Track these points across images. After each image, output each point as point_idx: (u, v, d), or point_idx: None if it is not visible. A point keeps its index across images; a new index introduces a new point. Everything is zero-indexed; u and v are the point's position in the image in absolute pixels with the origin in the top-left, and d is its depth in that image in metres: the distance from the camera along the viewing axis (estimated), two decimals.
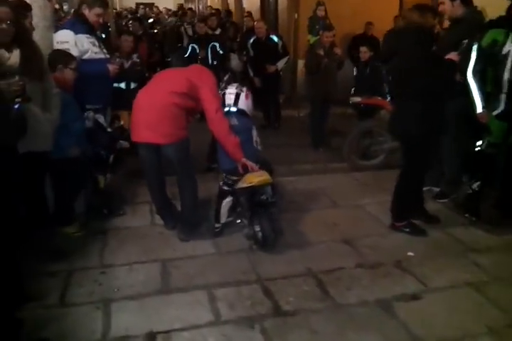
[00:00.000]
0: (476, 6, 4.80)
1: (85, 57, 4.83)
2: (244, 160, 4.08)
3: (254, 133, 4.33)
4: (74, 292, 3.53)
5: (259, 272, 3.81)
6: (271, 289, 3.58)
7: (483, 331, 3.16)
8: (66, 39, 4.73)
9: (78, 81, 4.36)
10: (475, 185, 4.76)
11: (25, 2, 4.34)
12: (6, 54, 3.28)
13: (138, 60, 6.41)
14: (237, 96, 4.28)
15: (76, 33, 4.79)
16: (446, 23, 4.92)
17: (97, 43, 5.04)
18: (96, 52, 4.97)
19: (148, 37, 10.74)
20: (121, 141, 5.16)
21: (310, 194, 5.45)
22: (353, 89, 7.37)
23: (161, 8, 23.88)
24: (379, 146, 6.48)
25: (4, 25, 3.18)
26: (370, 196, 5.37)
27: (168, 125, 4.03)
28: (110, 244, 4.25)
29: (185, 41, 10.90)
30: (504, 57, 4.20)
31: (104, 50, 5.20)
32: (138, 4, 27.17)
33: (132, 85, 6.02)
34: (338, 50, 7.41)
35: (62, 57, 4.28)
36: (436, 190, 5.28)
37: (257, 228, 4.10)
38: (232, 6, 16.90)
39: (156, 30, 12.90)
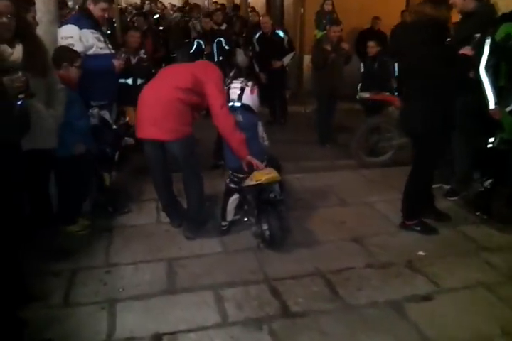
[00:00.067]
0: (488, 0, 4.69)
1: (90, 52, 4.76)
2: (249, 157, 3.99)
3: (260, 128, 4.24)
4: (78, 291, 3.47)
5: (266, 271, 3.74)
6: (279, 289, 3.51)
7: (496, 332, 3.08)
8: (70, 34, 4.67)
9: (83, 77, 4.31)
10: (487, 183, 4.68)
11: None
12: (9, 49, 3.21)
13: (145, 56, 6.35)
14: (242, 90, 4.17)
15: (81, 28, 4.72)
16: (457, 17, 4.79)
17: (102, 38, 4.97)
18: (101, 48, 4.91)
19: (153, 32, 10.65)
20: (126, 138, 5.11)
21: (317, 191, 5.37)
22: (359, 85, 7.28)
23: (165, 3, 23.72)
24: (387, 143, 6.42)
25: (4, 19, 3.10)
26: (378, 194, 5.29)
27: (173, 121, 3.96)
28: (115, 243, 4.19)
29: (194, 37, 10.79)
30: None
31: (110, 46, 5.13)
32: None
33: (139, 81, 5.93)
34: (345, 45, 7.32)
35: (67, 54, 4.22)
36: (447, 187, 5.20)
37: (265, 226, 4.03)
38: (238, 1, 16.77)
39: (161, 28, 12.76)
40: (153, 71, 6.36)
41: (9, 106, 2.94)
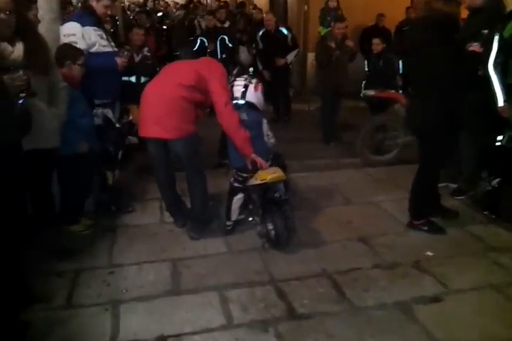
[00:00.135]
0: None
1: (93, 50, 4.73)
2: (253, 156, 3.94)
3: (265, 126, 4.16)
4: (81, 293, 3.41)
5: (272, 272, 3.69)
6: (284, 290, 3.45)
7: (507, 336, 3.02)
8: (73, 32, 4.62)
9: (85, 75, 4.26)
10: (495, 182, 4.63)
11: None
12: (9, 47, 3.16)
13: (149, 54, 6.30)
14: (246, 88, 4.08)
15: (83, 25, 4.68)
16: (465, 13, 4.72)
17: (104, 36, 4.93)
18: (104, 45, 4.87)
19: (156, 30, 10.59)
20: (129, 137, 5.06)
21: (322, 190, 5.32)
22: (363, 83, 7.21)
23: (169, 1, 23.66)
24: (393, 141, 6.35)
25: (3, 16, 3.04)
26: (384, 193, 5.24)
27: (177, 119, 3.91)
28: (119, 243, 4.15)
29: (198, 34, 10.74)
30: None
31: (112, 43, 5.09)
32: None
33: (142, 79, 5.89)
34: (350, 43, 7.25)
35: (69, 52, 4.18)
36: (454, 186, 5.15)
37: (270, 226, 3.97)
38: None
39: (165, 27, 12.68)
40: (157, 69, 6.34)
41: (10, 106, 2.90)
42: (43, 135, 3.48)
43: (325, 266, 3.77)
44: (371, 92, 6.54)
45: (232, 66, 7.62)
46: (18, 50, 3.22)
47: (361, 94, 7.07)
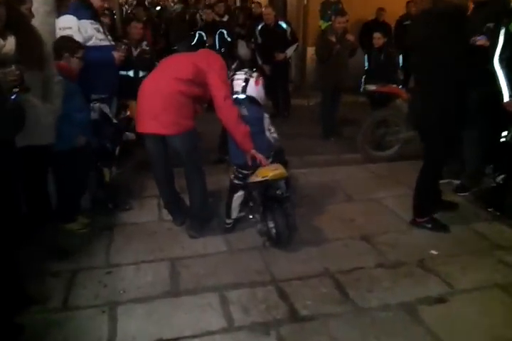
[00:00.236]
0: None
1: (89, 43, 4.62)
2: (253, 151, 3.85)
3: (267, 121, 4.07)
4: (78, 294, 3.32)
5: (273, 272, 3.61)
6: (286, 291, 3.37)
7: None
8: (69, 25, 4.53)
9: (82, 69, 4.19)
10: (499, 178, 4.57)
11: None
12: (1, 41, 3.06)
13: (147, 48, 6.21)
14: (246, 82, 3.97)
15: (79, 18, 4.59)
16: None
17: (101, 29, 4.84)
18: (101, 39, 4.78)
19: (153, 24, 10.48)
20: (127, 133, 4.97)
21: (323, 187, 5.24)
22: (363, 77, 7.12)
23: None
24: (394, 136, 6.30)
25: None
26: (385, 189, 5.17)
27: (174, 114, 3.81)
28: (116, 241, 4.06)
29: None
30: None
31: (109, 37, 4.99)
32: None
33: (141, 74, 5.80)
34: (350, 37, 7.17)
35: (68, 44, 4.11)
36: (457, 182, 5.08)
37: (271, 224, 3.89)
38: None
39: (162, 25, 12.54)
40: (155, 63, 6.25)
41: (2, 101, 2.80)
42: (38, 131, 3.39)
43: (327, 265, 3.69)
44: (372, 87, 6.44)
45: (231, 60, 7.52)
46: (9, 43, 3.13)
47: (361, 89, 6.99)
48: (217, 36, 8.74)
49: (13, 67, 2.91)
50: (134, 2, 17.70)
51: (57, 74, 3.70)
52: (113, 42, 5.08)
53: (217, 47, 8.63)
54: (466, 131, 4.45)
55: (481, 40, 3.94)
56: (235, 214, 4.19)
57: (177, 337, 2.90)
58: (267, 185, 3.87)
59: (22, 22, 3.33)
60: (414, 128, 4.72)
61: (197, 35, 8.85)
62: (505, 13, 4.18)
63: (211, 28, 8.87)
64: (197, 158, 4.09)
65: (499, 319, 3.11)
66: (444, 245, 4.00)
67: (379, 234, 4.18)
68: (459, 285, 3.47)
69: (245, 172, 3.98)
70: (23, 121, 3.04)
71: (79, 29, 4.55)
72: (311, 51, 9.13)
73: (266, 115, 4.10)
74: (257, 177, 3.79)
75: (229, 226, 4.23)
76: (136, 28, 6.17)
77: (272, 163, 3.95)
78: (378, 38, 6.83)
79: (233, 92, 3.97)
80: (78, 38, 4.44)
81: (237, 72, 4.13)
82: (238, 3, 14.57)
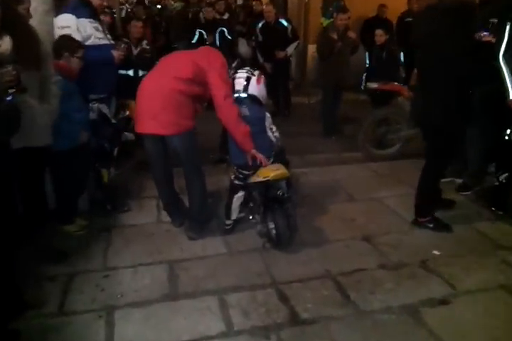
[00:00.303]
0: None
1: (88, 42, 4.55)
2: (254, 151, 3.79)
3: (269, 121, 4.01)
4: (74, 298, 3.26)
5: (273, 274, 3.55)
6: (286, 293, 3.32)
7: None
8: (67, 24, 4.47)
9: (81, 69, 4.12)
10: (502, 177, 4.50)
11: None
12: None
13: (148, 47, 6.18)
14: (248, 80, 3.91)
15: (78, 17, 4.53)
16: None
17: (100, 28, 4.78)
18: (100, 38, 4.73)
19: (153, 22, 10.42)
20: (126, 133, 4.92)
21: (325, 186, 5.18)
22: (364, 75, 7.06)
23: None
24: (396, 134, 6.23)
25: None
26: (387, 188, 5.12)
27: (174, 114, 3.75)
28: (114, 244, 4.00)
29: None
30: None
31: (109, 36, 4.94)
32: None
33: (141, 73, 5.76)
34: (352, 34, 7.10)
35: (68, 43, 4.07)
36: (459, 181, 5.02)
37: (271, 225, 3.84)
38: None
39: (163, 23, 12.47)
40: (156, 62, 6.20)
41: None
42: (35, 132, 3.33)
43: (328, 266, 3.64)
44: (374, 85, 6.37)
45: (232, 59, 7.46)
46: (5, 43, 3.06)
47: (362, 87, 6.93)
48: (217, 34, 8.72)
49: (10, 68, 2.85)
50: (135, 0, 17.69)
51: (55, 74, 3.65)
52: (112, 41, 5.02)
53: (218, 45, 8.57)
54: (468, 129, 4.39)
55: (487, 36, 3.86)
56: (234, 215, 4.13)
57: None
58: (267, 185, 3.82)
59: (19, 22, 3.27)
60: (416, 125, 4.65)
61: (197, 34, 8.81)
62: (510, 9, 4.10)
63: (212, 26, 8.83)
64: (196, 158, 4.03)
65: (503, 321, 3.05)
66: (447, 245, 3.95)
67: (380, 235, 4.13)
68: (462, 286, 3.42)
69: (246, 172, 3.93)
70: (18, 122, 2.97)
71: (78, 28, 4.49)
72: (311, 49, 9.07)
73: (268, 114, 4.04)
74: (258, 178, 3.74)
75: (229, 227, 4.17)
76: (136, 27, 6.14)
77: (273, 163, 3.89)
78: (380, 35, 6.74)
79: (234, 91, 3.91)
80: (77, 36, 4.37)
81: (239, 71, 4.06)
82: (239, 2, 14.44)
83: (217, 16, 9.33)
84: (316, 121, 7.59)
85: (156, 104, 3.76)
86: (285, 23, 8.22)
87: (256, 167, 3.82)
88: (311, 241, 4.01)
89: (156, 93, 3.78)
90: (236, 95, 3.90)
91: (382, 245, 3.97)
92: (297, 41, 8.44)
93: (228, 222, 4.16)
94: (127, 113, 5.19)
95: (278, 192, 3.85)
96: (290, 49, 8.27)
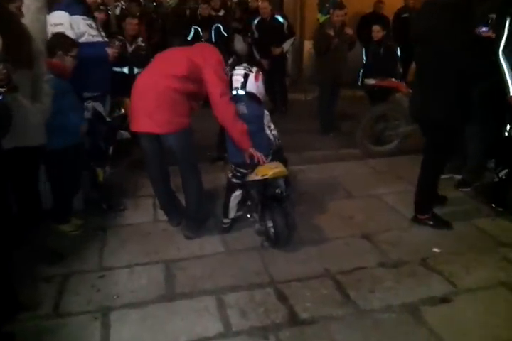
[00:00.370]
0: None
1: (82, 40, 4.48)
2: (251, 150, 3.74)
3: (267, 119, 3.95)
4: (70, 299, 3.21)
5: (272, 273, 3.51)
6: (285, 293, 3.27)
7: None
8: (60, 21, 4.41)
9: (74, 66, 4.06)
10: (502, 173, 4.45)
11: None
12: None
13: (143, 44, 6.12)
14: (246, 77, 3.85)
15: (71, 14, 4.47)
16: None
17: (94, 25, 4.72)
18: (93, 35, 4.66)
19: (148, 19, 10.34)
20: (121, 131, 4.85)
21: (322, 184, 5.14)
22: (361, 71, 7.01)
23: None
24: (394, 131, 6.19)
25: None
26: (385, 185, 5.08)
27: (169, 112, 3.69)
28: (110, 244, 3.95)
29: None
30: None
31: (103, 33, 4.87)
32: None
33: (136, 70, 5.72)
34: (349, 30, 7.05)
35: (61, 41, 3.99)
36: (458, 177, 4.98)
37: (269, 223, 3.79)
38: None
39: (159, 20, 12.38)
40: (151, 60, 6.15)
41: None
42: (28, 131, 3.27)
43: (327, 265, 3.59)
44: (371, 81, 6.32)
45: (228, 55, 7.40)
46: None
47: (359, 83, 6.88)
48: (213, 31, 8.66)
49: (0, 67, 2.80)
50: None
51: (48, 73, 3.59)
52: (106, 39, 4.95)
53: (214, 42, 8.50)
54: (468, 125, 4.34)
55: (486, 32, 3.81)
56: (232, 213, 4.08)
57: None
58: (266, 183, 3.77)
59: (9, 21, 3.21)
60: (414, 121, 4.61)
61: (193, 30, 8.74)
62: (509, 3, 4.05)
63: (207, 22, 8.76)
64: (192, 157, 3.98)
65: (504, 319, 3.02)
66: (447, 242, 3.91)
67: (380, 232, 4.09)
68: (463, 284, 3.38)
69: (243, 170, 3.88)
70: (9, 121, 2.93)
71: (71, 25, 4.43)
72: (308, 45, 9.02)
73: (266, 112, 3.98)
74: (256, 176, 3.69)
75: (226, 226, 4.12)
76: (131, 24, 6.09)
77: (271, 161, 3.84)
78: (377, 31, 6.72)
79: (232, 88, 3.85)
80: (70, 34, 4.31)
81: (237, 67, 3.98)
82: None
83: (213, 13, 9.25)
84: (314, 117, 7.52)
85: (151, 102, 3.70)
86: (281, 20, 8.16)
87: (254, 165, 3.77)
88: (309, 240, 3.96)
89: (150, 91, 3.71)
90: (234, 92, 3.84)
91: (382, 243, 3.92)
92: (293, 37, 8.39)
93: (226, 220, 4.11)
94: (122, 111, 5.12)
95: (276, 191, 3.80)
96: (286, 45, 8.22)
